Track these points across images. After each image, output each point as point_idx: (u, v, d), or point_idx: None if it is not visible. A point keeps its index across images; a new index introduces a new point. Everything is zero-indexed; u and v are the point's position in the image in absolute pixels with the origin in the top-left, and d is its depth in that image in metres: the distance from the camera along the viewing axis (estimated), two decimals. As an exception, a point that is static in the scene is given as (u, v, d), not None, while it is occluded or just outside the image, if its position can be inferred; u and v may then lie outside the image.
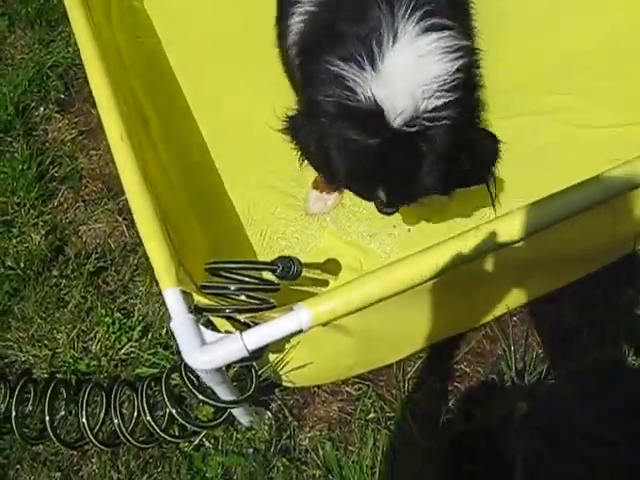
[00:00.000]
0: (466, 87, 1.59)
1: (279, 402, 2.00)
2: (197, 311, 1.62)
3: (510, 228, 1.55)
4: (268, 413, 1.98)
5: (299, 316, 1.54)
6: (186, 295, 1.64)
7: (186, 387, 1.73)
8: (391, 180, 1.64)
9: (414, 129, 1.52)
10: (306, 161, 1.88)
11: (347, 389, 2.02)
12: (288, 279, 1.84)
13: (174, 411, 1.81)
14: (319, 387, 2.03)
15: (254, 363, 1.75)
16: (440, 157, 1.57)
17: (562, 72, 2.36)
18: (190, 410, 1.98)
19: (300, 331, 1.56)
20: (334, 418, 1.99)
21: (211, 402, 1.72)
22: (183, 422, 1.83)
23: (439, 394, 1.96)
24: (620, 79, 2.31)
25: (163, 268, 1.68)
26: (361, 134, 1.56)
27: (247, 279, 1.72)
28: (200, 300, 1.66)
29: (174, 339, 1.58)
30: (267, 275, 1.89)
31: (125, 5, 2.75)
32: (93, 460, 2.04)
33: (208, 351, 1.54)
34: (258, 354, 1.63)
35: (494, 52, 2.16)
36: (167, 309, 2.07)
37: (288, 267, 1.81)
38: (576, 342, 1.94)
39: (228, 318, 1.66)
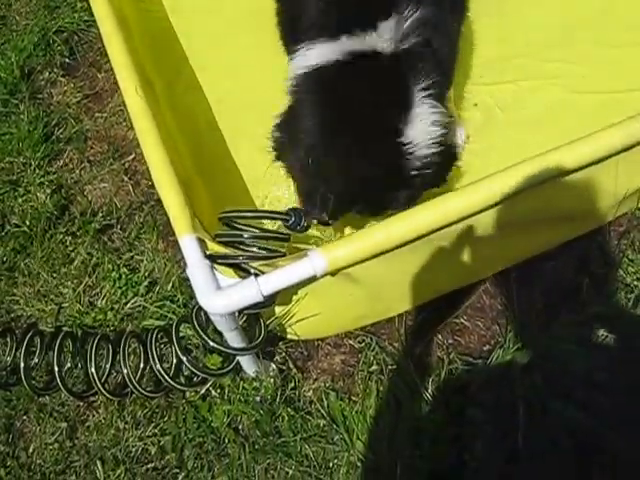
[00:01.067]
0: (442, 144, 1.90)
1: (283, 354, 2.05)
2: (211, 260, 1.67)
3: (509, 183, 1.64)
4: (273, 365, 2.03)
5: (313, 262, 1.59)
6: (201, 242, 1.69)
7: (197, 334, 1.78)
8: None
9: None
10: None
11: (350, 342, 2.07)
12: (298, 231, 1.89)
13: (185, 358, 1.86)
14: (322, 340, 2.08)
15: (261, 313, 1.80)
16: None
17: (562, 40, 2.42)
18: (196, 362, 2.03)
19: (314, 277, 1.62)
20: (337, 370, 2.04)
21: (223, 349, 1.77)
22: (194, 369, 1.87)
23: (440, 347, 2.02)
24: (619, 47, 2.37)
25: (179, 215, 1.72)
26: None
27: (258, 231, 1.77)
28: (214, 248, 1.71)
29: (190, 285, 1.64)
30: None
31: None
32: (100, 411, 2.07)
33: (224, 295, 1.60)
34: (270, 301, 1.69)
35: (495, 21, 2.24)
36: (175, 262, 2.19)
37: (299, 218, 1.87)
38: (575, 297, 2.01)
39: (238, 268, 1.70)
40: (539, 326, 1.95)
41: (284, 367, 2.03)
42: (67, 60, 2.76)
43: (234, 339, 1.76)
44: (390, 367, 2.00)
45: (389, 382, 1.97)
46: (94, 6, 2.14)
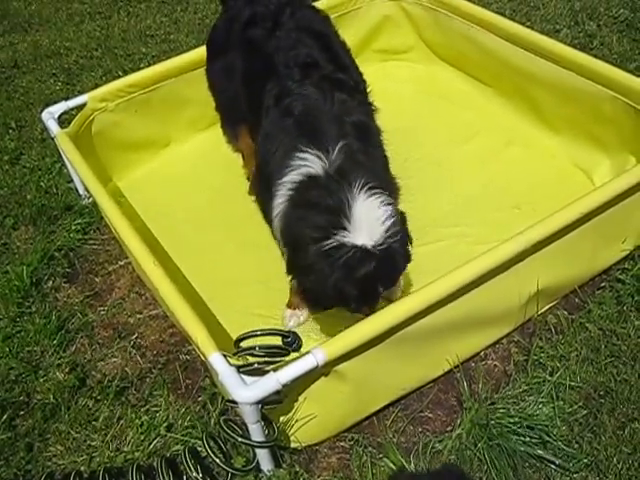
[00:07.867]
0: (396, 217, 2.45)
1: (290, 461, 2.50)
2: (236, 369, 2.24)
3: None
4: (283, 465, 2.48)
5: (315, 355, 2.18)
6: (224, 356, 2.26)
7: (228, 435, 2.28)
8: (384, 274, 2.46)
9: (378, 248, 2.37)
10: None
11: (341, 444, 2.56)
12: (293, 349, 2.45)
13: (218, 460, 2.30)
14: (319, 445, 2.56)
15: (272, 417, 2.32)
16: (401, 255, 2.47)
17: (460, 212, 3.39)
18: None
19: (316, 367, 2.18)
20: (336, 465, 2.50)
21: (249, 442, 2.26)
22: (226, 468, 2.30)
23: (413, 434, 2.56)
24: (495, 211, 3.35)
25: (206, 341, 2.32)
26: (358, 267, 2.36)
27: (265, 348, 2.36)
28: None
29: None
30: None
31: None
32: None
33: (252, 388, 2.15)
34: (282, 397, 2.23)
35: (419, 201, 3.04)
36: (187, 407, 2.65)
37: (295, 338, 2.45)
38: (504, 383, 2.67)
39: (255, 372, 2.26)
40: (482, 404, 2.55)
41: (292, 470, 2.47)
42: (67, 270, 3.36)
43: (257, 432, 2.25)
44: (378, 456, 2.49)
45: (379, 464, 2.45)
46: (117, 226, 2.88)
